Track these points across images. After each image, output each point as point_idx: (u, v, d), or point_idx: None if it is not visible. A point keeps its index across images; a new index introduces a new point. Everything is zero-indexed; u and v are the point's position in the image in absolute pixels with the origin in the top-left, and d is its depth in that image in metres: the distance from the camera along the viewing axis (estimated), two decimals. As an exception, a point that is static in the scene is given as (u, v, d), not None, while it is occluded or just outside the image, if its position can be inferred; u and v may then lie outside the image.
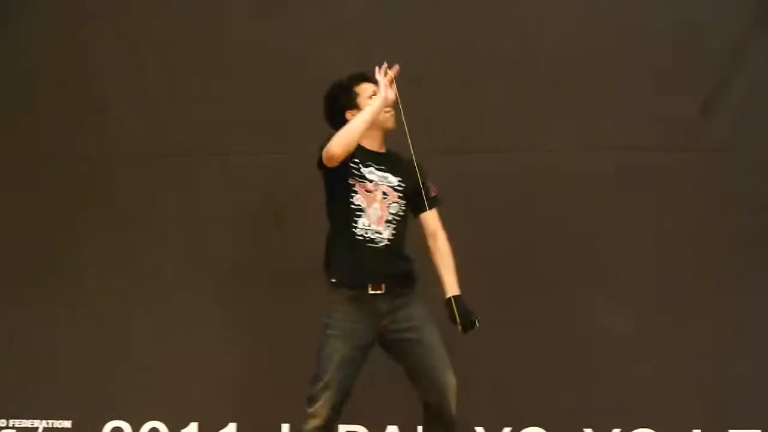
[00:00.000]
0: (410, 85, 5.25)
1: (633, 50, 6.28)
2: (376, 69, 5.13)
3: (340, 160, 5.05)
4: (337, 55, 6.27)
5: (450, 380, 5.09)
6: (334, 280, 5.15)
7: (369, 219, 5.14)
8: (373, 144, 5.26)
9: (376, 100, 5.12)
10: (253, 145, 6.48)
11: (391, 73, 5.12)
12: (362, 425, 6.25)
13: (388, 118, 5.23)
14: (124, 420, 6.42)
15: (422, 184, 5.23)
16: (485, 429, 6.18)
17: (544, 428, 6.17)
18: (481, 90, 6.32)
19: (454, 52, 6.36)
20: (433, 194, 5.32)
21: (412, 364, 5.14)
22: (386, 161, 5.26)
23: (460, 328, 5.11)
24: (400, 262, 5.20)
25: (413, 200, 5.28)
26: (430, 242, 5.30)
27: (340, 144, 5.03)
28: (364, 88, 5.24)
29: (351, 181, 5.16)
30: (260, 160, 6.46)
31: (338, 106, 5.26)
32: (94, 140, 6.60)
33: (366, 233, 5.13)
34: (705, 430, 6.07)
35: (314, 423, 5.05)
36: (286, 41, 6.47)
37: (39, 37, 6.65)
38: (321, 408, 5.03)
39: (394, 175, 5.25)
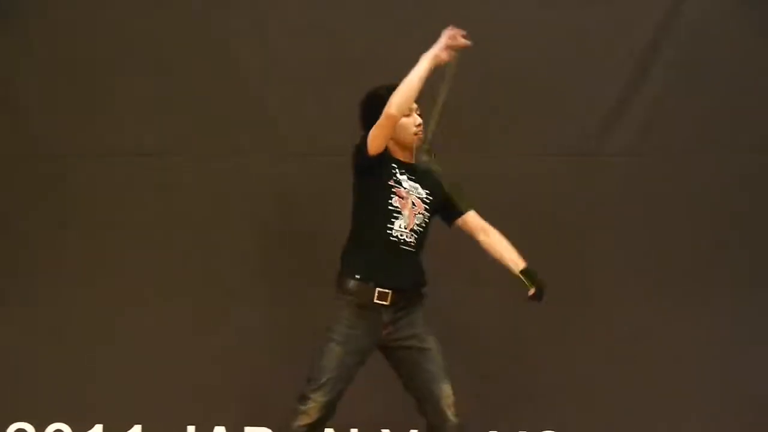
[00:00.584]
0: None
1: (542, 56, 6.33)
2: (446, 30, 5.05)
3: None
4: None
5: (446, 390, 5.14)
6: (358, 276, 5.14)
7: (404, 222, 5.17)
8: (405, 155, 5.28)
9: (428, 54, 5.03)
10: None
11: (460, 42, 5.05)
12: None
13: (415, 139, 5.24)
14: (27, 422, 6.34)
15: (450, 192, 5.29)
16: None
17: None
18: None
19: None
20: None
21: (410, 372, 5.19)
22: (416, 172, 5.28)
23: (533, 293, 5.16)
24: (420, 273, 5.24)
25: (444, 210, 5.33)
26: (482, 238, 5.32)
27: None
28: None
29: (390, 183, 5.19)
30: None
31: (375, 115, 5.12)
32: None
33: (401, 235, 5.17)
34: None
35: (304, 421, 5.11)
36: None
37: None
38: (312, 408, 5.09)
39: (423, 187, 5.27)
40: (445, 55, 5.04)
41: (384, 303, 5.12)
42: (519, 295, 5.23)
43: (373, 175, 5.16)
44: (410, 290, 5.19)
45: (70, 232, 6.42)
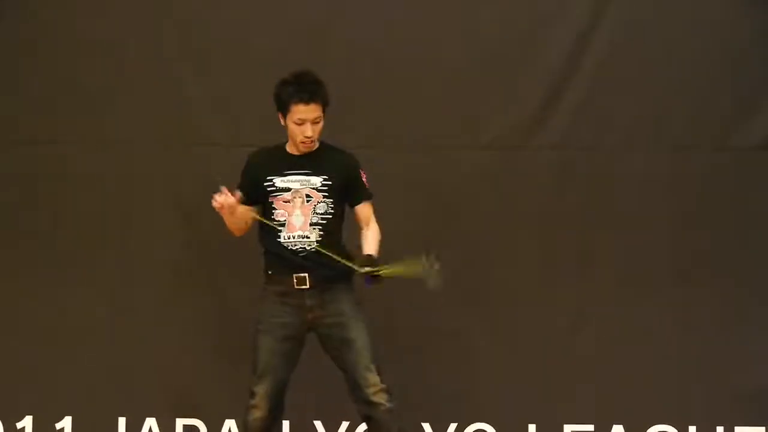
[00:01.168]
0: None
1: (471, 49, 6.34)
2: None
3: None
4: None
5: (372, 379, 5.20)
6: (270, 272, 5.31)
7: (292, 229, 5.26)
8: (298, 149, 5.34)
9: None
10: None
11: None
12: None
13: (302, 146, 5.30)
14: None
15: (353, 178, 5.34)
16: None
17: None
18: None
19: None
20: (366, 186, 5.41)
21: (336, 359, 5.28)
22: (311, 161, 5.31)
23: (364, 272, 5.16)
24: (329, 266, 5.25)
25: (346, 194, 5.36)
26: (363, 231, 5.40)
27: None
28: (297, 110, 5.23)
29: (270, 200, 5.30)
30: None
31: (277, 104, 5.31)
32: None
33: (289, 245, 5.26)
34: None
35: (256, 414, 5.24)
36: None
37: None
38: (260, 400, 5.22)
39: (318, 174, 5.30)
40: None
41: (304, 287, 5.22)
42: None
43: (256, 197, 5.34)
44: (317, 280, 5.24)
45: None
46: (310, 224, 5.27)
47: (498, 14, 6.36)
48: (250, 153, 5.44)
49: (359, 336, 5.24)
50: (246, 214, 5.31)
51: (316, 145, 5.34)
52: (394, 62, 6.31)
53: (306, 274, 5.24)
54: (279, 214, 5.29)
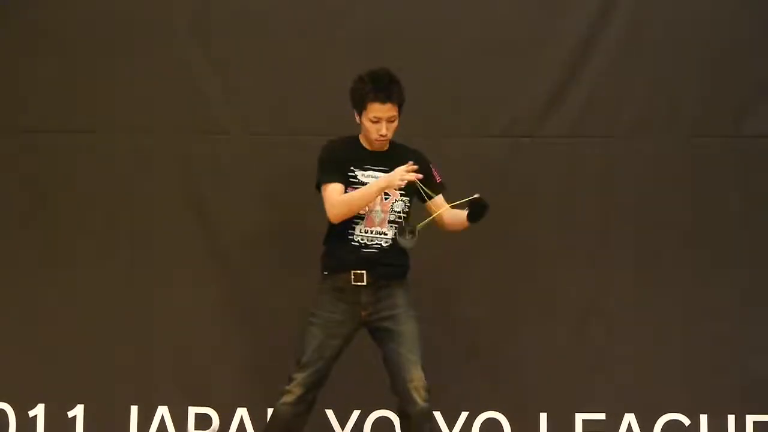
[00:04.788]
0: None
1: (481, 38, 6.35)
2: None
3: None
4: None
5: (415, 373, 5.22)
6: (326, 273, 5.35)
7: (371, 224, 5.30)
8: (374, 146, 5.35)
9: (380, 182, 5.21)
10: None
11: (412, 177, 5.18)
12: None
13: (376, 144, 5.32)
14: (-32, 401, 6.35)
15: (425, 174, 5.31)
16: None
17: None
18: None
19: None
20: (438, 180, 5.44)
21: (384, 352, 5.32)
22: (388, 159, 5.33)
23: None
24: (398, 258, 5.34)
25: (419, 191, 5.34)
26: (439, 219, 5.40)
27: (338, 215, 5.25)
28: (373, 109, 5.25)
29: (348, 190, 5.29)
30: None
31: (352, 100, 5.33)
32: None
33: (363, 239, 5.29)
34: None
35: (286, 399, 5.31)
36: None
37: None
38: (295, 386, 5.29)
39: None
40: (396, 185, 5.20)
41: (361, 284, 5.28)
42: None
43: None
44: (378, 277, 5.30)
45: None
46: (389, 221, 5.32)
47: (509, 4, 6.37)
48: (327, 142, 5.41)
49: (409, 330, 5.29)
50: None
51: (387, 144, 5.37)
52: (406, 52, 6.30)
53: (364, 271, 5.28)
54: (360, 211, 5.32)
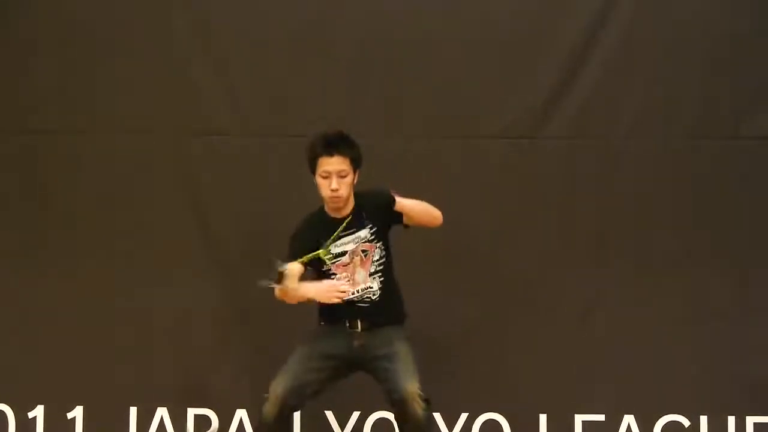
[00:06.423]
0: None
1: (480, 38, 6.34)
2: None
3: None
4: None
5: (410, 385, 5.23)
6: (321, 323, 5.46)
7: (356, 285, 5.34)
8: (338, 212, 5.37)
9: (308, 292, 5.23)
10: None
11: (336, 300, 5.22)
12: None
13: (329, 200, 5.32)
14: (-33, 403, 6.34)
15: (385, 206, 5.30)
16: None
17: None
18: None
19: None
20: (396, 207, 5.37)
21: (379, 372, 5.35)
22: (353, 217, 5.35)
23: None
24: (391, 305, 5.42)
25: (390, 222, 5.38)
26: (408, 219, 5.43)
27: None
28: (321, 163, 5.28)
29: (326, 269, 5.34)
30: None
31: (308, 163, 5.36)
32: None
33: (354, 298, 5.34)
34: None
35: (266, 406, 5.30)
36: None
37: None
38: (273, 393, 5.29)
39: (363, 226, 5.34)
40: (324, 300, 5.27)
41: (356, 330, 5.35)
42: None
43: (314, 267, 5.35)
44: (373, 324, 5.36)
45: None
46: (371, 274, 5.35)
47: (509, 3, 6.37)
48: (297, 225, 5.44)
49: (402, 351, 5.32)
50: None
51: (346, 202, 5.34)
52: (405, 52, 6.31)
53: (359, 320, 5.35)
54: (342, 278, 5.34)
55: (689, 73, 6.33)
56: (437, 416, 6.20)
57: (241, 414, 6.28)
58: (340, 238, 5.28)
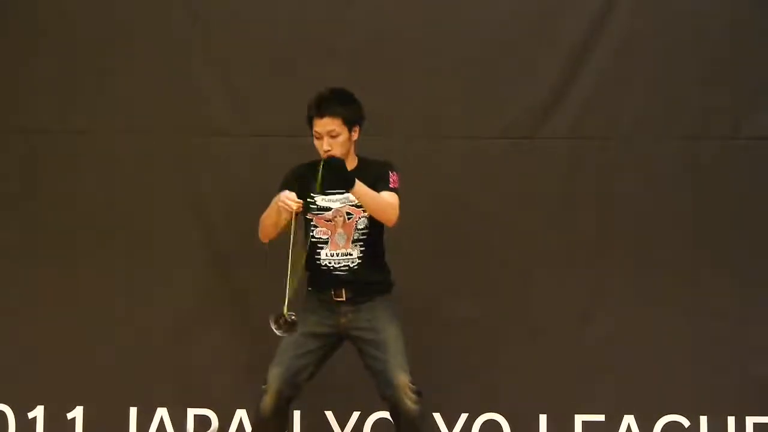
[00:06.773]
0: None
1: (480, 38, 6.35)
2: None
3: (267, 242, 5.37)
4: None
5: (401, 377, 5.23)
6: (309, 289, 5.44)
7: (335, 247, 5.32)
8: None
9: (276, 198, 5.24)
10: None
11: (290, 207, 5.16)
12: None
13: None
14: (-34, 403, 6.34)
15: (380, 176, 5.29)
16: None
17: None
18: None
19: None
20: (392, 186, 5.32)
21: (367, 360, 5.34)
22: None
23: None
24: (372, 275, 5.36)
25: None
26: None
27: (260, 236, 5.41)
28: (313, 125, 5.30)
29: (309, 216, 5.34)
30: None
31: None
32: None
33: (330, 263, 5.33)
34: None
35: (264, 399, 5.31)
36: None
37: None
38: (269, 386, 5.29)
39: None
40: (279, 206, 5.20)
41: (341, 299, 5.33)
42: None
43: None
44: (356, 294, 5.33)
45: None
46: (353, 241, 5.33)
47: (509, 4, 6.37)
48: (290, 169, 5.46)
49: (391, 337, 5.30)
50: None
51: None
52: (406, 52, 6.32)
53: (343, 289, 5.33)
54: (321, 232, 5.35)
55: (689, 73, 6.33)
56: (437, 416, 6.21)
57: (241, 414, 6.28)
58: (328, 185, 5.20)
